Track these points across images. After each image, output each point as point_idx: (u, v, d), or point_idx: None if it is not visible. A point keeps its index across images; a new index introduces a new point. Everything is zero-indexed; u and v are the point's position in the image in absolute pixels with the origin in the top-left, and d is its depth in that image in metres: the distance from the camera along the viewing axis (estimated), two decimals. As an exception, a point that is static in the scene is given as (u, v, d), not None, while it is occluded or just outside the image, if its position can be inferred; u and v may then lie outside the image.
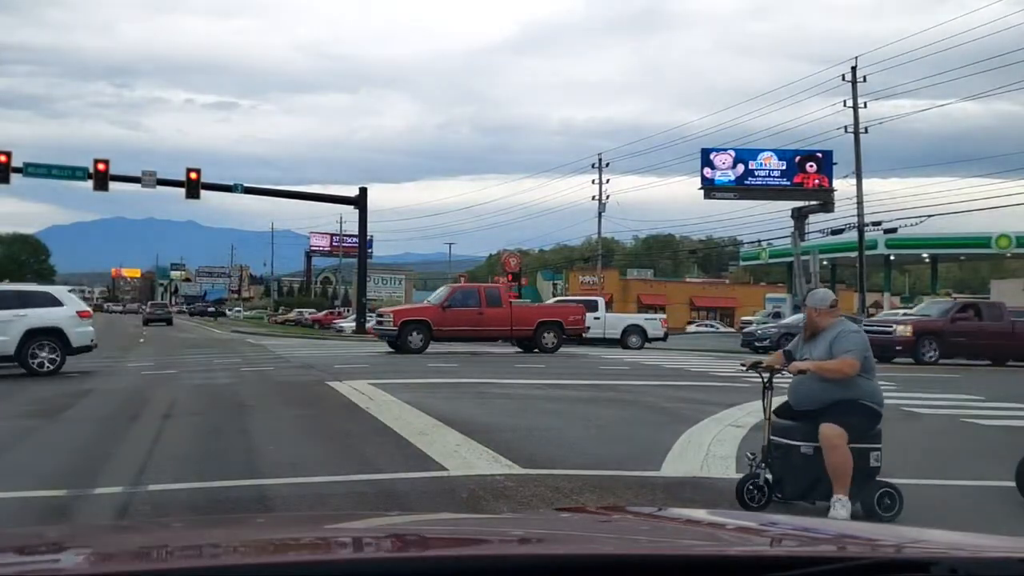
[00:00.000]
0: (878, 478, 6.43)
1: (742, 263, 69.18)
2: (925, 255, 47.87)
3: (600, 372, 19.42)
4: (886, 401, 6.71)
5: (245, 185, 41.50)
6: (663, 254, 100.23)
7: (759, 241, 54.24)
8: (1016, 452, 7.38)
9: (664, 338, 33.48)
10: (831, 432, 6.19)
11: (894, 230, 42.52)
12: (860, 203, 40.55)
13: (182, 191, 37.97)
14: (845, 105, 40.98)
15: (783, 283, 54.54)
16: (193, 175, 37.90)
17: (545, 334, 26.85)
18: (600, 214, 58.12)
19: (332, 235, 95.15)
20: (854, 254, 41.24)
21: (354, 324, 46.09)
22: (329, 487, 7.39)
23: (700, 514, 2.89)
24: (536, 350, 26.73)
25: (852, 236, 41.51)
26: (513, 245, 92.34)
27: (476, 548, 2.02)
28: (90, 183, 36.60)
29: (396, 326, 25.72)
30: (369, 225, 44.73)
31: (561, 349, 27.12)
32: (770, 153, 49.22)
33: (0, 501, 6.85)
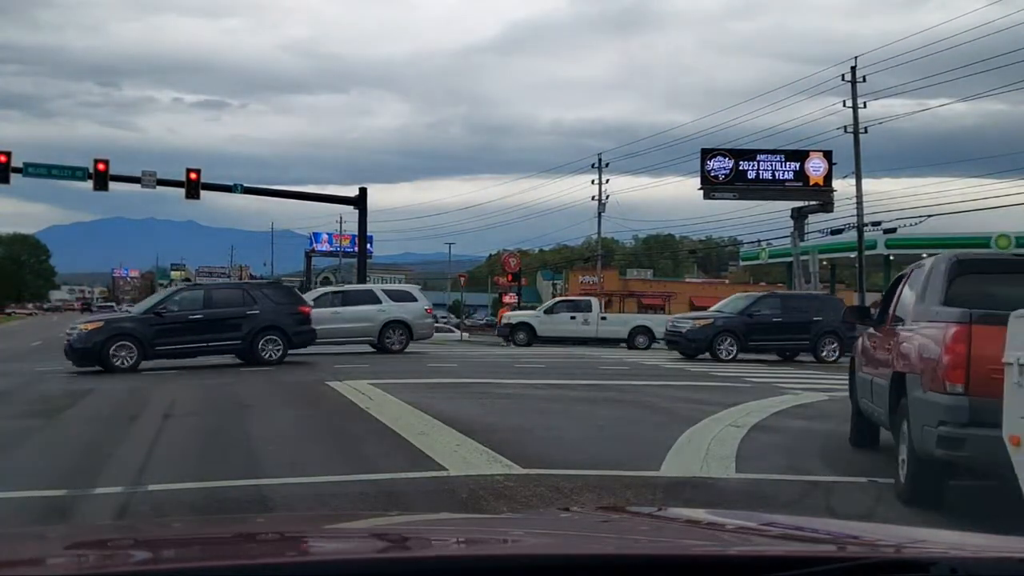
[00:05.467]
0: None
1: (742, 263, 69.14)
2: (925, 255, 47.74)
3: (600, 372, 19.42)
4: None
5: (245, 185, 41.41)
6: (663, 254, 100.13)
7: (759, 241, 54.23)
8: None
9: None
10: None
11: (893, 230, 42.50)
12: (860, 203, 40.57)
13: (182, 191, 37.92)
14: (845, 105, 41.03)
15: (783, 283, 54.51)
16: (193, 175, 37.83)
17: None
18: (600, 214, 58.11)
19: (331, 235, 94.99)
20: (854, 254, 41.24)
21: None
22: (329, 487, 7.40)
23: (700, 514, 2.90)
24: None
25: (852, 236, 41.50)
26: (513, 245, 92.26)
27: (476, 548, 2.02)
28: (90, 183, 36.57)
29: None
30: (368, 225, 44.64)
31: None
32: (769, 153, 49.22)
33: (0, 501, 6.86)
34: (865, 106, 40.69)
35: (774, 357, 24.88)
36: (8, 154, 35.43)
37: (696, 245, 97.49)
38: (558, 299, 40.43)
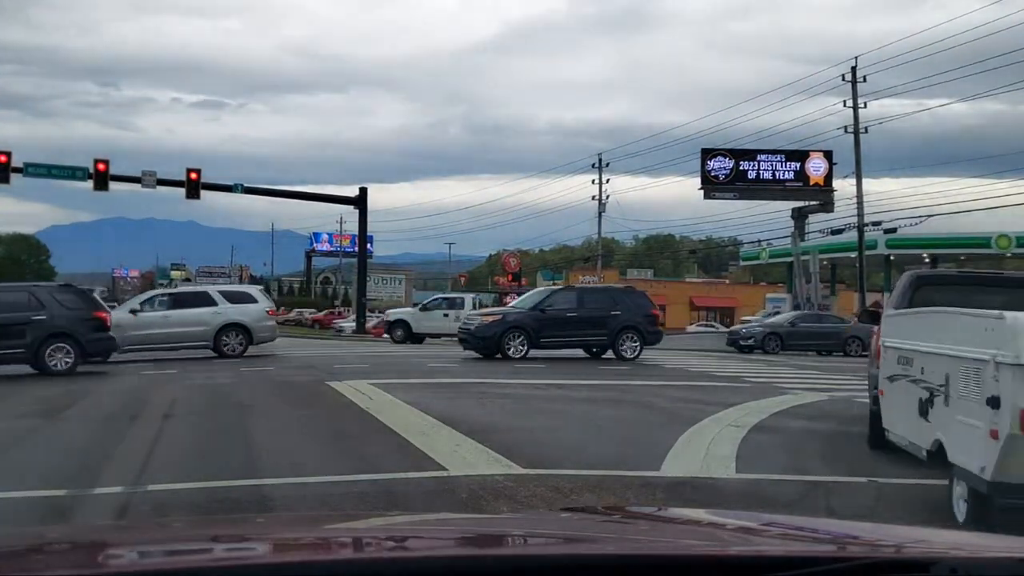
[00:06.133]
0: None
1: (742, 263, 69.15)
2: (925, 255, 47.86)
3: (600, 372, 19.42)
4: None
5: (245, 185, 41.44)
6: (663, 254, 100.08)
7: (759, 241, 54.22)
8: None
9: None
10: None
11: (894, 230, 42.53)
12: (860, 203, 40.57)
13: (182, 191, 37.96)
14: (845, 105, 41.05)
15: (783, 283, 54.50)
16: (193, 175, 37.88)
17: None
18: (600, 214, 58.12)
19: (331, 235, 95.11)
20: (854, 254, 41.23)
21: (354, 324, 46.04)
22: (329, 487, 7.40)
23: (700, 514, 2.89)
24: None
25: (852, 236, 41.51)
26: (513, 245, 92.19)
27: (476, 548, 2.02)
28: (90, 183, 36.60)
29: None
30: (369, 225, 44.68)
31: None
32: (769, 153, 49.23)
33: (0, 501, 6.86)
34: (865, 106, 40.74)
35: (581, 353, 23.48)
36: (8, 154, 35.47)
37: (696, 245, 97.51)
38: (435, 296, 40.59)
